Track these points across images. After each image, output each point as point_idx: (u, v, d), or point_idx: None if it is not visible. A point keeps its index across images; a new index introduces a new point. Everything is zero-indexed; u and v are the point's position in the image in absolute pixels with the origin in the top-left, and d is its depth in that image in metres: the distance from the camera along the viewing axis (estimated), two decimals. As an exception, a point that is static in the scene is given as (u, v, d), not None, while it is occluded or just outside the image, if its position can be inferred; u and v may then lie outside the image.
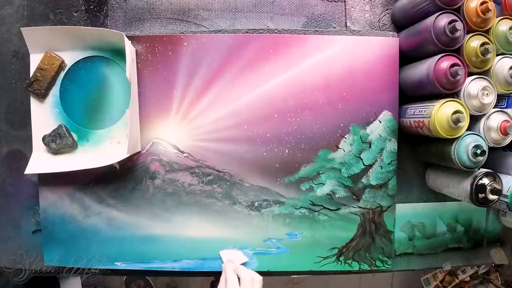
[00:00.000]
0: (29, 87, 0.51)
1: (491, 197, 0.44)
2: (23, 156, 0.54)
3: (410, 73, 0.50)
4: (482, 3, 0.43)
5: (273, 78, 0.52)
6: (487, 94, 0.45)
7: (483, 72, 0.46)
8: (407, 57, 0.51)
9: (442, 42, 0.44)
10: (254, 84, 0.52)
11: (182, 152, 0.53)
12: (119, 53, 0.51)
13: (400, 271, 0.59)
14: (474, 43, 0.45)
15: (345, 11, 0.56)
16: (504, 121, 0.45)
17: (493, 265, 1.23)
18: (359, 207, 0.54)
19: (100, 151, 0.52)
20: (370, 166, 0.53)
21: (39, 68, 0.50)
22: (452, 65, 0.43)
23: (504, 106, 0.48)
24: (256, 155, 0.53)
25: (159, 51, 0.52)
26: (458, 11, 0.44)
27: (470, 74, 0.46)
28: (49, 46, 0.50)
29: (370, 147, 0.53)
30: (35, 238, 0.55)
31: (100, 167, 0.48)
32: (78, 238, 0.53)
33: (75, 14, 0.54)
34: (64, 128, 0.51)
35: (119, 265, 0.54)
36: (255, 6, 0.55)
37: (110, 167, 0.50)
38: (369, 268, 0.56)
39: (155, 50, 0.52)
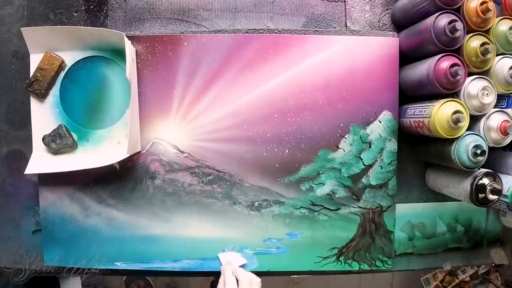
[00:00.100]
0: (29, 87, 0.51)
1: (491, 197, 0.44)
2: (23, 156, 0.54)
3: (410, 73, 0.50)
4: (482, 3, 0.43)
5: (273, 78, 0.52)
6: (487, 94, 0.45)
7: (483, 72, 0.46)
8: (407, 57, 0.51)
9: (442, 42, 0.44)
10: (254, 84, 0.52)
11: (182, 152, 0.53)
12: (119, 53, 0.51)
13: (400, 271, 0.59)
14: (474, 43, 0.45)
15: (345, 11, 0.56)
16: (504, 121, 0.45)
17: (493, 265, 1.23)
18: (359, 207, 0.54)
19: (100, 151, 0.52)
20: (370, 166, 0.53)
21: (39, 68, 0.50)
22: (452, 65, 0.43)
23: (504, 106, 0.48)
24: (256, 155, 0.53)
25: (159, 51, 0.52)
26: (458, 11, 0.44)
27: (470, 74, 0.46)
28: (49, 46, 0.50)
29: (370, 147, 0.53)
30: (35, 238, 0.55)
31: (100, 167, 0.48)
32: (78, 238, 0.53)
33: (75, 14, 0.54)
34: (64, 128, 0.51)
35: (119, 265, 0.54)
36: (255, 6, 0.55)
37: (110, 167, 0.50)
38: (369, 268, 0.56)
39: (155, 50, 0.52)
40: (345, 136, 0.53)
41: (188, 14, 0.55)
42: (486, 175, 0.45)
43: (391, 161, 0.53)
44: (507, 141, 0.46)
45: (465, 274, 1.30)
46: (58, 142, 0.51)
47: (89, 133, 0.52)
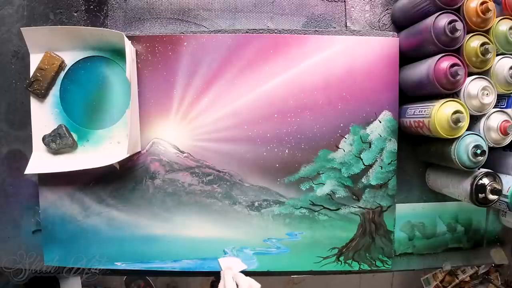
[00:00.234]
0: (29, 87, 0.51)
1: (491, 197, 0.44)
2: (23, 156, 0.54)
3: (410, 73, 0.50)
4: (482, 3, 0.43)
5: (273, 78, 0.52)
6: (487, 94, 0.45)
7: (483, 72, 0.46)
8: (407, 57, 0.51)
9: (442, 42, 0.44)
10: (254, 84, 0.52)
11: (182, 152, 0.53)
12: (119, 53, 0.51)
13: (400, 271, 0.59)
14: (474, 43, 0.45)
15: (345, 11, 0.56)
16: (504, 121, 0.45)
17: (493, 265, 1.23)
18: (359, 207, 0.54)
19: (100, 151, 0.52)
20: (370, 166, 0.53)
21: (39, 68, 0.50)
22: (452, 65, 0.43)
23: (504, 106, 0.48)
24: (256, 155, 0.53)
25: (159, 51, 0.52)
26: (458, 11, 0.44)
27: (470, 74, 0.46)
28: (49, 46, 0.50)
29: (370, 147, 0.53)
30: (35, 238, 0.55)
31: (100, 167, 0.48)
32: (78, 238, 0.53)
33: (75, 14, 0.54)
34: (64, 128, 0.51)
35: (119, 265, 0.54)
36: (255, 6, 0.55)
37: (110, 167, 0.50)
38: (369, 268, 0.56)
39: (155, 50, 0.52)
40: (345, 136, 0.53)
41: (188, 14, 0.55)
42: (486, 175, 0.45)
43: (391, 161, 0.53)
44: (507, 141, 0.46)
45: (465, 274, 1.30)
46: (58, 142, 0.51)
47: (89, 133, 0.52)
